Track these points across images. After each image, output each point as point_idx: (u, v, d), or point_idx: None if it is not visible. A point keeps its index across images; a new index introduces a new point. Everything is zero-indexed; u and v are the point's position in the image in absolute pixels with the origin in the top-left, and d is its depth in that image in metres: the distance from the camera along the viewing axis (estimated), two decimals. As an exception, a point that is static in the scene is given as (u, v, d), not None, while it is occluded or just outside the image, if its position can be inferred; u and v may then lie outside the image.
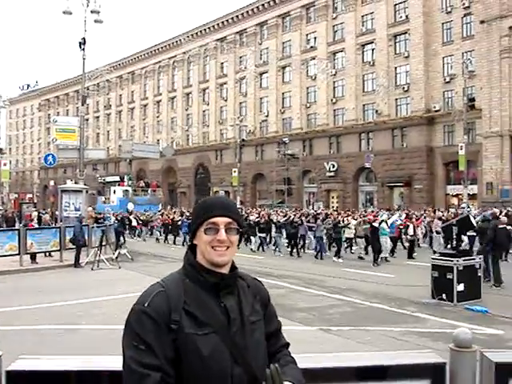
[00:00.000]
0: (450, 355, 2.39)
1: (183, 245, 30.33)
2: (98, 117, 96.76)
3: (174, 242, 33.07)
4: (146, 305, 2.01)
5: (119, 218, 32.17)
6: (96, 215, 29.55)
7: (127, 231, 38.55)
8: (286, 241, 26.34)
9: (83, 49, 26.45)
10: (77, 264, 20.47)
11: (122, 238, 27.41)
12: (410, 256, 23.23)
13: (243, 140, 60.82)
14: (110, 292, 14.52)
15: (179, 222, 33.85)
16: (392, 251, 23.69)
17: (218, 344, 2.02)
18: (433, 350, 2.76)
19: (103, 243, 21.43)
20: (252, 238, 27.74)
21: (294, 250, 25.19)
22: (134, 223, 38.08)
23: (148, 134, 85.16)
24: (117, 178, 75.98)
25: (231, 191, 64.53)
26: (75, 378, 2.19)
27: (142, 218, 40.95)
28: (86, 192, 28.29)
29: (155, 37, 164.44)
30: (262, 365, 2.10)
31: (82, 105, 28.67)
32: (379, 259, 21.32)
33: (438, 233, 24.52)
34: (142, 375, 1.93)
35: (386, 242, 22.08)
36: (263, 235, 27.78)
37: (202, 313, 2.05)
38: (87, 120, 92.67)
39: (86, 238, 22.23)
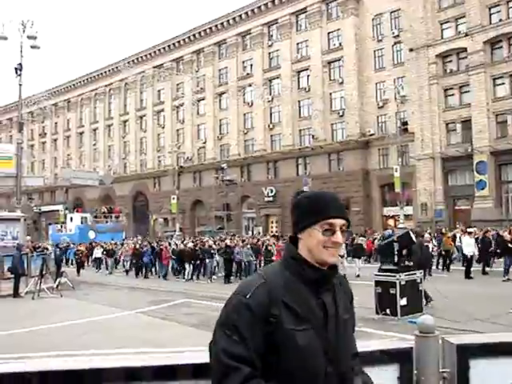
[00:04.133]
0: (416, 341, 2.57)
1: (146, 276, 28.84)
2: (32, 145, 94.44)
3: (138, 274, 29.76)
4: (247, 296, 1.97)
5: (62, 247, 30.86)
6: (33, 245, 28.92)
7: (91, 263, 36.49)
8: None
9: (19, 75, 26.03)
10: (16, 294, 19.95)
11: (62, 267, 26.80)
12: None
13: (181, 167, 60.67)
14: (50, 320, 14.16)
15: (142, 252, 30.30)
16: None
17: (315, 341, 1.99)
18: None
19: (43, 272, 20.97)
20: (187, 265, 26.71)
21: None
22: (99, 254, 35.11)
23: (85, 162, 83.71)
24: (53, 208, 74.42)
25: (170, 218, 64.08)
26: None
27: (107, 247, 35.98)
28: (24, 220, 27.65)
29: (92, 64, 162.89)
30: (349, 365, 2.12)
31: (19, 131, 28.16)
32: None
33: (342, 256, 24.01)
34: (231, 367, 1.90)
35: None
36: (198, 262, 26.62)
37: (302, 308, 2.00)
38: (21, 148, 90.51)
39: (26, 267, 21.72)
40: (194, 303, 17.22)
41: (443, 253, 25.55)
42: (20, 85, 26.59)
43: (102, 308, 16.72)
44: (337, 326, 2.08)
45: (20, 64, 25.85)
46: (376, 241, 31.46)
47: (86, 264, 35.50)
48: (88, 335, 12.04)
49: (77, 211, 63.06)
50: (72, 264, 36.53)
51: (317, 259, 2.09)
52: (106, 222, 61.81)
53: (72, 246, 37.87)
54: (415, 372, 2.52)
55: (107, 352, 8.73)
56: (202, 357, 2.16)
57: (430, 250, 24.32)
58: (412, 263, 13.59)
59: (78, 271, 31.57)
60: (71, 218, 59.67)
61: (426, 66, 46.88)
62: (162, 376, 2.21)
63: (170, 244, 31.49)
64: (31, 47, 27.32)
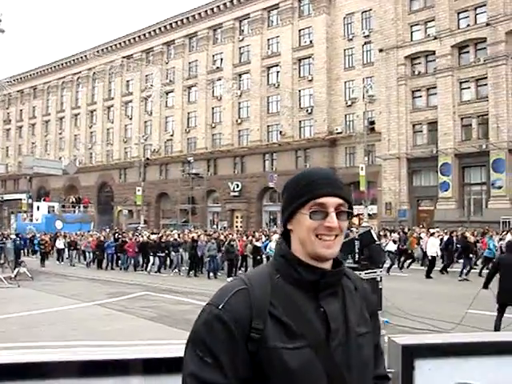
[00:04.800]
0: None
1: (111, 268, 28.74)
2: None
3: (100, 266, 29.52)
4: (220, 306, 1.56)
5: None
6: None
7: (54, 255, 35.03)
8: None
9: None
10: (-28, 283, 19.60)
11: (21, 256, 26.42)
12: None
13: (147, 159, 60.29)
14: (6, 310, 13.94)
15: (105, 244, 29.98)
16: None
17: (313, 362, 1.57)
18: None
19: (1, 261, 20.65)
20: (151, 258, 26.69)
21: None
22: (61, 245, 34.09)
23: (50, 151, 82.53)
24: (16, 196, 73.26)
25: (135, 210, 63.72)
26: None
27: (70, 238, 34.71)
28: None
29: (59, 51, 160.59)
30: None
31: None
32: None
33: None
34: None
35: None
36: (162, 255, 26.68)
37: (294, 319, 1.59)
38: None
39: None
40: (153, 296, 17.11)
41: (408, 252, 25.85)
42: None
43: (60, 299, 16.50)
44: (347, 342, 1.65)
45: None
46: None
47: (49, 255, 34.55)
48: (42, 326, 11.86)
49: (44, 200, 61.54)
50: (36, 254, 35.99)
51: (310, 253, 1.68)
52: (74, 212, 60.35)
53: (37, 235, 37.29)
54: (360, 371, 2.48)
55: (57, 344, 8.59)
56: (154, 351, 2.02)
57: (396, 248, 24.78)
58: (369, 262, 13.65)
59: (42, 262, 30.95)
60: (38, 207, 58.10)
61: (394, 66, 47.30)
62: (107, 370, 1.98)
63: (136, 236, 31.21)
64: (-4, 31, 26.70)
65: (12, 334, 10.82)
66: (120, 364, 1.97)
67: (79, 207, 61.24)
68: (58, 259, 34.03)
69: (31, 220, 56.33)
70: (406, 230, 32.36)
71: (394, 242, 25.63)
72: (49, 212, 56.24)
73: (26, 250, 37.50)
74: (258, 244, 21.99)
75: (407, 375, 2.44)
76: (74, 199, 63.02)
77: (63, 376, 1.90)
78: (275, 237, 23.54)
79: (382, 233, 30.68)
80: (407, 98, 46.85)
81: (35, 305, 14.95)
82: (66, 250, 34.02)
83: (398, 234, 29.17)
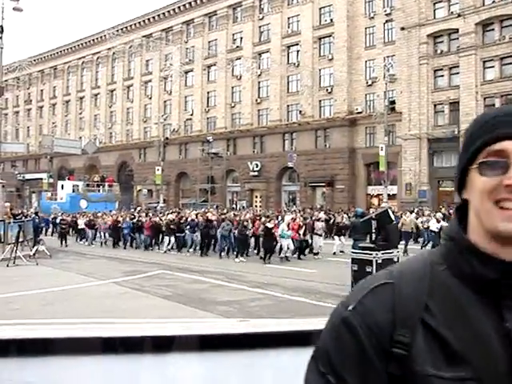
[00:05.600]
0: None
1: (125, 247, 28.84)
2: (17, 112, 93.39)
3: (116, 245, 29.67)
4: (350, 307, 1.10)
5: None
6: (13, 212, 28.62)
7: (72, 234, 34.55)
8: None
9: (0, 37, 25.42)
10: (-8, 260, 19.74)
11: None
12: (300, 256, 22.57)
13: (167, 138, 60.24)
14: (23, 288, 14.01)
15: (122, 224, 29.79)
16: (301, 251, 22.81)
17: None
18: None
19: (20, 239, 20.76)
20: (166, 238, 26.59)
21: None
22: (82, 225, 33.32)
23: (70, 130, 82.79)
24: (37, 176, 73.78)
25: (154, 190, 63.89)
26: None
27: (89, 218, 34.06)
28: (3, 187, 27.27)
29: (79, 31, 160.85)
30: None
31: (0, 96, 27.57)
32: (271, 258, 21.19)
33: (317, 234, 23.65)
34: None
35: (288, 245, 21.60)
36: (182, 235, 26.44)
37: (459, 335, 1.03)
38: (6, 115, 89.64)
39: (2, 233, 21.47)
40: (169, 275, 17.10)
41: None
42: (1, 48, 25.92)
43: (77, 277, 16.56)
44: None
45: (1, 26, 25.17)
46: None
47: (69, 235, 33.64)
48: (57, 304, 11.88)
49: (68, 179, 61.22)
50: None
51: (489, 231, 1.08)
52: (99, 191, 59.81)
53: (59, 216, 36.82)
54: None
55: (67, 321, 8.53)
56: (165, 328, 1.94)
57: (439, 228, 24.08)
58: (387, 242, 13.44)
59: (62, 242, 30.48)
60: (62, 186, 57.65)
61: (416, 45, 46.54)
62: (115, 348, 1.85)
63: (152, 216, 31.13)
64: (13, 9, 26.68)
65: (27, 311, 10.87)
66: (130, 341, 1.86)
67: (103, 186, 60.80)
68: (77, 239, 33.89)
69: (55, 199, 55.84)
70: (425, 211, 32.04)
71: (438, 220, 25.11)
72: (73, 191, 55.81)
73: (48, 230, 37.56)
74: (270, 225, 21.71)
75: None
76: (98, 178, 62.44)
77: (69, 353, 1.80)
78: (287, 217, 23.26)
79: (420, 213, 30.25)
80: (429, 78, 46.13)
81: (52, 282, 15.01)
82: (87, 229, 33.44)
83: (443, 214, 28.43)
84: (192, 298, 12.90)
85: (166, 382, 1.88)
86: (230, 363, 1.89)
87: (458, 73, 44.51)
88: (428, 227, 25.24)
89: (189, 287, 14.69)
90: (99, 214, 35.56)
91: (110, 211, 41.61)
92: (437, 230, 23.65)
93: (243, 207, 51.62)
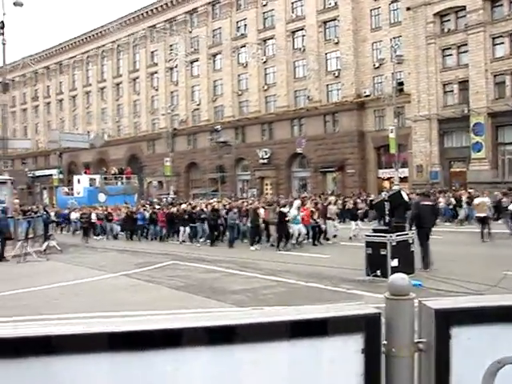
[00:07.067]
0: (386, 304, 2.09)
1: (141, 238, 28.77)
2: (25, 109, 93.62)
3: (131, 237, 29.42)
4: None
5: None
6: (22, 208, 28.58)
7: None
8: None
9: (2, 33, 25.19)
10: (2, 257, 19.62)
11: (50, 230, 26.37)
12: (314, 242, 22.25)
13: (175, 129, 60.08)
14: (33, 283, 13.88)
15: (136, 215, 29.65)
16: (314, 237, 22.38)
17: None
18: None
19: (31, 236, 20.68)
20: (181, 228, 26.27)
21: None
22: (94, 219, 31.64)
23: (78, 125, 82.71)
24: (47, 172, 73.80)
25: (165, 181, 63.84)
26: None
27: (105, 211, 33.17)
28: (12, 184, 27.17)
29: (83, 25, 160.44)
30: None
31: (4, 92, 27.37)
32: (288, 244, 20.95)
33: (330, 219, 23.26)
34: None
35: (298, 230, 21.34)
36: (195, 225, 25.89)
37: None
38: (14, 112, 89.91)
39: (12, 230, 21.35)
40: (181, 265, 16.91)
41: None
42: (3, 43, 25.67)
43: (88, 271, 16.42)
44: None
45: (2, 22, 24.89)
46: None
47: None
48: (67, 298, 11.75)
49: (85, 172, 60.28)
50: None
51: None
52: (117, 183, 58.10)
53: (76, 211, 35.88)
54: (384, 343, 2.03)
55: (74, 316, 8.38)
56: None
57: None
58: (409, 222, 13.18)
59: (84, 237, 29.28)
60: (79, 180, 56.43)
61: (423, 25, 45.92)
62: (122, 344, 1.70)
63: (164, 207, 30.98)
64: (14, 4, 26.43)
65: (34, 306, 10.72)
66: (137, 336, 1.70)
67: (121, 178, 59.73)
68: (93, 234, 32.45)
69: (72, 194, 54.56)
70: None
71: (330, 204, 24.63)
72: (90, 185, 54.51)
73: (65, 226, 37.27)
74: (285, 210, 21.44)
75: (442, 346, 2.00)
76: (115, 170, 61.74)
77: (73, 350, 1.64)
78: (296, 202, 22.89)
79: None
80: (437, 57, 45.53)
81: (62, 277, 14.90)
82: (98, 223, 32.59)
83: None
84: (204, 287, 12.71)
85: (177, 377, 1.73)
86: (240, 356, 1.77)
87: (466, 51, 43.89)
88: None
89: (201, 277, 14.51)
90: (113, 207, 34.83)
91: (126, 203, 40.79)
92: None
93: (254, 195, 51.42)
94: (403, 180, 45.27)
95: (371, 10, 51.44)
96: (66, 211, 38.74)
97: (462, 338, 2.01)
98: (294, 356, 1.81)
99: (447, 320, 2.02)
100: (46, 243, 22.59)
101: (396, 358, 2.05)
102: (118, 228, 31.32)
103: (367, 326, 2.01)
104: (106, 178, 57.25)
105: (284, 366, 1.82)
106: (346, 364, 1.97)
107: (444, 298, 2.41)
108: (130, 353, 1.69)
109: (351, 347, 1.99)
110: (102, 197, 45.05)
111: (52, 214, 32.87)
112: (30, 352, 1.62)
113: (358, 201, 30.80)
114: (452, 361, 2.00)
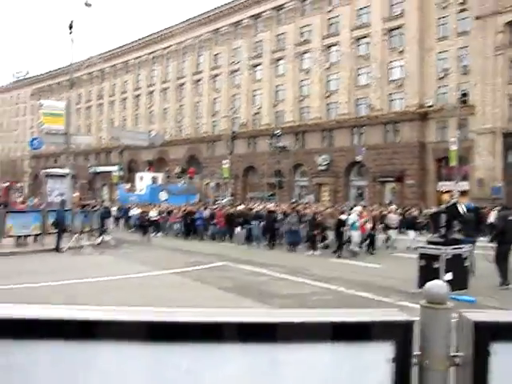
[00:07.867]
0: (421, 312, 1.98)
1: (201, 238, 28.64)
2: (90, 106, 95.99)
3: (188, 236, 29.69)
4: None
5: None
6: (80, 202, 29.20)
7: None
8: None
9: (71, 32, 25.93)
10: (58, 248, 20.09)
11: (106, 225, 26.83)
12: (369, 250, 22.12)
13: (235, 132, 60.34)
14: (81, 275, 14.14)
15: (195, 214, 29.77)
16: (369, 245, 22.34)
17: None
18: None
19: (87, 229, 21.13)
20: (237, 229, 26.49)
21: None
22: (154, 217, 31.51)
23: (140, 124, 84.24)
24: (108, 169, 75.32)
25: (222, 183, 64.15)
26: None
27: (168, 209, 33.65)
28: (73, 177, 27.85)
29: (150, 26, 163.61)
30: None
31: (71, 88, 28.13)
32: (344, 251, 20.72)
33: (388, 227, 23.62)
34: None
35: (356, 236, 21.10)
36: (250, 226, 26.00)
37: None
38: (79, 109, 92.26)
39: (70, 223, 21.85)
40: (232, 267, 16.91)
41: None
42: (72, 41, 26.43)
43: (137, 267, 16.60)
44: None
45: (72, 21, 25.64)
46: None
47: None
48: (110, 292, 11.90)
49: (148, 170, 60.71)
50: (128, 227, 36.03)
51: None
52: (180, 182, 58.30)
53: (135, 209, 35.90)
54: (416, 353, 1.90)
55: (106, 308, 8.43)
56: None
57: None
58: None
59: (145, 233, 29.32)
60: (141, 178, 57.09)
61: (492, 35, 44.80)
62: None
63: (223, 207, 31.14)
64: (85, 4, 27.15)
65: (77, 296, 10.88)
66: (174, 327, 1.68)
67: (184, 178, 59.70)
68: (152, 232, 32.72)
69: (134, 191, 55.35)
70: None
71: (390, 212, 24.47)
72: (153, 182, 54.79)
73: (125, 223, 37.13)
74: (343, 217, 21.28)
75: (480, 362, 1.84)
76: (179, 169, 61.38)
77: (111, 337, 1.65)
78: (356, 208, 22.71)
79: None
80: (504, 69, 44.36)
81: (111, 271, 15.15)
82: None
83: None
84: (251, 290, 12.66)
85: (215, 372, 1.68)
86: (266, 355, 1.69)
87: (536, 63, 42.63)
88: None
89: (250, 279, 14.46)
90: (176, 207, 34.61)
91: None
92: None
93: (310, 202, 51.19)
94: (463, 194, 44.21)
95: (438, 19, 50.55)
96: (128, 206, 38.71)
97: (502, 354, 1.86)
98: (328, 359, 1.75)
99: (487, 334, 1.88)
100: (100, 237, 23.07)
101: (429, 371, 1.92)
102: (178, 226, 31.37)
103: (398, 333, 1.89)
104: (168, 177, 57.19)
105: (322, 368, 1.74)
106: (376, 372, 1.87)
107: (486, 311, 2.27)
108: (169, 343, 1.66)
109: (381, 355, 1.88)
110: (163, 195, 45.22)
111: (114, 209, 33.43)
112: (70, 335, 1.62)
113: (416, 211, 30.30)
114: (489, 379, 1.85)
